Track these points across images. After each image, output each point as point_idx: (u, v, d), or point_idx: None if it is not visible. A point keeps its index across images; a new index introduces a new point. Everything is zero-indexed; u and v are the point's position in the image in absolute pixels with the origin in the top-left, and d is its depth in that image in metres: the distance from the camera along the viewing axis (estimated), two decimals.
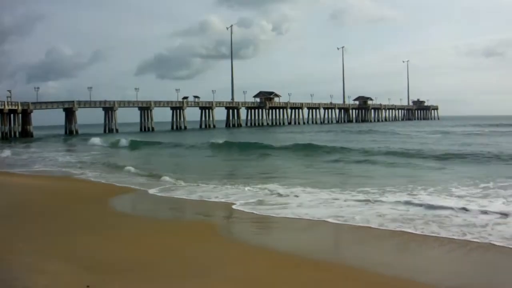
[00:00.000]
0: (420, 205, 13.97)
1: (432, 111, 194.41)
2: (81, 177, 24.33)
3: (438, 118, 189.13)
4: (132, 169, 26.36)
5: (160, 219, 14.08)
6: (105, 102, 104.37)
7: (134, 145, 52.27)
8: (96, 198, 17.64)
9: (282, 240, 11.58)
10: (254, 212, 14.20)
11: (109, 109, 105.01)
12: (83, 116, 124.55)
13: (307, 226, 12.57)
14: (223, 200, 16.38)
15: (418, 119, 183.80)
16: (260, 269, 8.84)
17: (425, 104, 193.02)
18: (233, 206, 15.20)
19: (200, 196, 17.30)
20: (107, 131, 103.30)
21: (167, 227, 12.80)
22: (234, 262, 9.29)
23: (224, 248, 10.55)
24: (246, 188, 18.44)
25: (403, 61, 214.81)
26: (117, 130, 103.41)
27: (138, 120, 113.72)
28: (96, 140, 61.96)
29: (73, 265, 8.84)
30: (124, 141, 56.33)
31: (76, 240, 10.97)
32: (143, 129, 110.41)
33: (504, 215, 12.20)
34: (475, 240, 10.31)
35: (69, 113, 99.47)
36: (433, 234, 10.97)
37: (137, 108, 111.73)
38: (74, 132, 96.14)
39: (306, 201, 15.49)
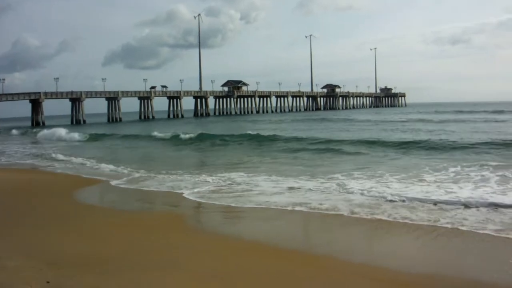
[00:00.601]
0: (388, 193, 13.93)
1: (400, 98, 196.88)
2: (46, 169, 23.89)
3: (406, 105, 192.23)
4: (93, 161, 26.07)
5: (125, 211, 13.82)
6: (72, 93, 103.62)
7: (94, 138, 49.99)
8: (59, 190, 17.33)
9: (249, 229, 11.51)
10: (218, 202, 14.10)
11: (76, 100, 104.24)
12: (50, 107, 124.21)
13: (274, 215, 12.45)
14: (187, 191, 16.04)
15: (385, 106, 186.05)
16: (226, 259, 8.77)
17: (393, 91, 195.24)
18: (197, 197, 14.99)
19: (165, 187, 17.09)
20: (74, 122, 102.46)
21: (132, 219, 12.60)
22: (199, 253, 9.14)
23: (189, 239, 10.41)
24: (211, 178, 18.23)
25: (371, 49, 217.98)
26: (84, 121, 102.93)
27: (105, 110, 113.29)
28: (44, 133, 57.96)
29: (34, 260, 8.66)
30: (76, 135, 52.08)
31: (37, 234, 10.74)
32: (110, 120, 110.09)
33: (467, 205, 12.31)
34: (444, 225, 10.39)
35: (36, 104, 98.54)
36: (403, 220, 11.01)
37: (104, 99, 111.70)
38: (41, 124, 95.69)
39: (270, 189, 15.54)
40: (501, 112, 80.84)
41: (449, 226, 10.33)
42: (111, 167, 23.05)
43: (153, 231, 11.19)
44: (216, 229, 11.48)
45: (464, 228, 10.10)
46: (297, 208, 12.79)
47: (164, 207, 14.38)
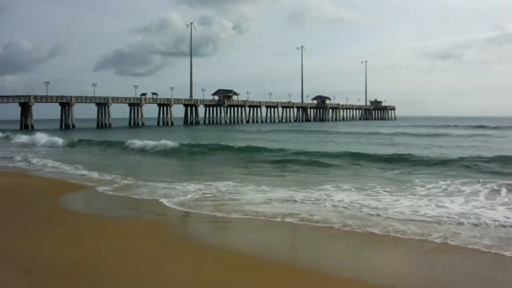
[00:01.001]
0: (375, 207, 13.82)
1: (389, 111, 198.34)
2: (31, 173, 23.56)
3: (395, 118, 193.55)
4: (79, 167, 25.66)
5: (108, 218, 13.48)
6: (62, 97, 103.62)
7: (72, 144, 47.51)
8: (42, 195, 17.00)
9: (233, 240, 11.17)
10: (202, 211, 13.79)
11: (66, 104, 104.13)
12: (39, 111, 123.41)
13: (261, 225, 12.18)
14: (168, 199, 15.70)
15: (375, 119, 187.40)
16: (207, 272, 8.50)
17: (383, 104, 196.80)
18: (180, 206, 14.66)
19: (149, 195, 16.68)
20: (63, 127, 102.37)
21: (114, 226, 12.28)
22: (178, 265, 8.86)
23: (170, 249, 10.10)
24: (196, 187, 17.88)
25: (362, 62, 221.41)
26: (73, 126, 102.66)
27: (95, 116, 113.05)
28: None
29: (10, 266, 8.46)
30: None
31: (17, 240, 10.48)
32: (100, 125, 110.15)
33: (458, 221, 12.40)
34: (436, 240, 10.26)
35: (25, 107, 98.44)
36: (394, 234, 10.81)
37: (94, 104, 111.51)
38: (30, 127, 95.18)
39: (256, 199, 15.28)
40: (482, 127, 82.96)
41: (439, 241, 10.17)
42: (118, 178, 21.65)
43: (132, 239, 10.88)
44: (199, 239, 11.15)
45: (454, 243, 9.95)
46: (287, 219, 12.50)
47: (143, 215, 14.01)
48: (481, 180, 18.12)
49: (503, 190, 16.00)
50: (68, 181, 20.18)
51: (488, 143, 43.37)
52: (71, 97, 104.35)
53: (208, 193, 16.64)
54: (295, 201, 14.94)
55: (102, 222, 12.79)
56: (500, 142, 45.32)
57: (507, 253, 9.22)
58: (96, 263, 8.77)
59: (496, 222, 11.60)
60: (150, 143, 39.29)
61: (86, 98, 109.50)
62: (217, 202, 14.91)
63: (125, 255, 9.46)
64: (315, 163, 26.52)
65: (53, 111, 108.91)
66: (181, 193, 16.69)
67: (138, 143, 40.46)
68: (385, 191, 16.55)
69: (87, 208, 15.72)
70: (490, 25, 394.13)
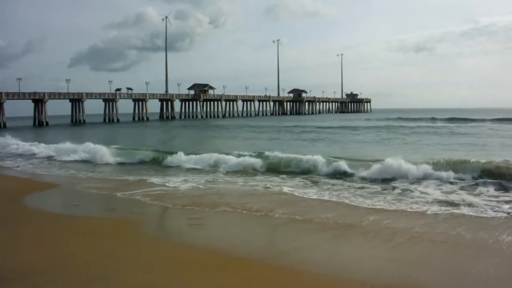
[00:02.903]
0: None
1: (365, 103, 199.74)
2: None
3: (371, 111, 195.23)
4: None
5: (71, 216, 13.20)
6: (34, 93, 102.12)
7: None
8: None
9: (204, 235, 11.15)
10: (175, 205, 14.08)
11: (39, 101, 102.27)
12: (12, 108, 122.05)
13: (235, 220, 12.49)
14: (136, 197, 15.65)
15: (351, 111, 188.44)
16: (169, 272, 8.31)
17: (358, 97, 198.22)
18: (154, 200, 14.84)
19: (116, 190, 16.71)
20: (37, 124, 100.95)
21: (78, 225, 12.09)
22: (141, 265, 8.70)
23: (135, 248, 9.90)
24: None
25: (338, 55, 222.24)
26: (47, 123, 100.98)
27: (70, 112, 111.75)
28: None
29: None
30: None
31: None
32: (74, 122, 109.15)
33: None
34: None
35: None
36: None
37: (68, 100, 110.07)
38: (2, 125, 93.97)
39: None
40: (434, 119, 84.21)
41: None
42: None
43: (96, 238, 10.71)
44: (169, 236, 11.20)
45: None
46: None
47: (128, 214, 13.62)
48: None
49: None
50: None
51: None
52: (44, 93, 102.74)
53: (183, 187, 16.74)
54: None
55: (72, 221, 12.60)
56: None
57: None
58: (56, 266, 8.62)
59: None
60: None
61: (59, 94, 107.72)
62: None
63: (88, 256, 9.31)
64: None
65: (25, 108, 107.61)
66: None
67: None
68: None
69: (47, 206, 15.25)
70: (465, 18, 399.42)
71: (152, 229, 12.03)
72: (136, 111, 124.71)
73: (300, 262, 8.90)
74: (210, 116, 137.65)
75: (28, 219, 12.81)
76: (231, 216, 12.92)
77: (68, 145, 31.74)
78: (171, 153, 26.78)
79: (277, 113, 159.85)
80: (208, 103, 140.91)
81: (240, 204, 14.01)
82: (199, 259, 9.12)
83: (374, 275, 8.17)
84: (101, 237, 11.00)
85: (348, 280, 7.99)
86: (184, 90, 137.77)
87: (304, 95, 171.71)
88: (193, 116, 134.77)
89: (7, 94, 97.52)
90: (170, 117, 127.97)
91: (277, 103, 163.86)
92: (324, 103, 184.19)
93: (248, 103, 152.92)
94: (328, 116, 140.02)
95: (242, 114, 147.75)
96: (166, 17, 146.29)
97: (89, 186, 18.31)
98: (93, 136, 50.36)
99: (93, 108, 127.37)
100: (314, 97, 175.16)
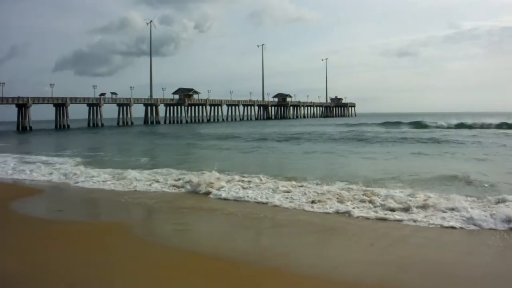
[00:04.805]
0: None
1: (350, 108, 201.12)
2: None
3: (355, 115, 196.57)
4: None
5: (61, 221, 13.00)
6: (18, 98, 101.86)
7: None
8: None
9: (189, 238, 10.96)
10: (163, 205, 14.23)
11: (22, 105, 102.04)
12: None
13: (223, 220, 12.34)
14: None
15: (336, 116, 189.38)
16: (154, 280, 8.11)
17: (343, 101, 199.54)
18: (139, 200, 14.85)
19: (105, 194, 16.73)
20: (20, 129, 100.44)
21: (65, 230, 11.83)
22: (121, 272, 8.47)
23: (117, 254, 9.71)
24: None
25: (322, 59, 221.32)
26: (31, 128, 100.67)
27: (53, 117, 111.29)
28: None
29: None
30: None
31: None
32: (58, 127, 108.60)
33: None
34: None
35: None
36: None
37: (52, 105, 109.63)
38: None
39: None
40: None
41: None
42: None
43: (78, 244, 10.43)
44: (155, 240, 10.94)
45: None
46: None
47: (116, 218, 13.47)
48: None
49: None
50: None
51: None
52: (27, 98, 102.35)
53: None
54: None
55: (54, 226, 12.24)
56: None
57: None
58: (35, 273, 8.40)
59: None
60: None
61: (43, 99, 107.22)
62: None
63: (68, 262, 9.07)
64: None
65: (9, 113, 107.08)
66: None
67: None
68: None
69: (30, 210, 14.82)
70: (448, 23, 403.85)
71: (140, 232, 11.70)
72: (121, 115, 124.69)
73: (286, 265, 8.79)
74: (195, 121, 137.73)
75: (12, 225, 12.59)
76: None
77: None
78: None
79: (261, 118, 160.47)
80: (193, 107, 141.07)
81: None
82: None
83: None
84: (84, 243, 10.72)
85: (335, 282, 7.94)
86: (169, 95, 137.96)
87: (288, 99, 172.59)
88: (177, 121, 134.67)
89: None
90: (154, 122, 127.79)
91: (262, 107, 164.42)
92: (309, 107, 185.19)
93: (233, 107, 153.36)
94: (312, 120, 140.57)
95: (227, 119, 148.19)
96: (151, 21, 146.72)
97: None
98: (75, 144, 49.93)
99: (78, 113, 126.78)
100: (299, 102, 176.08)
